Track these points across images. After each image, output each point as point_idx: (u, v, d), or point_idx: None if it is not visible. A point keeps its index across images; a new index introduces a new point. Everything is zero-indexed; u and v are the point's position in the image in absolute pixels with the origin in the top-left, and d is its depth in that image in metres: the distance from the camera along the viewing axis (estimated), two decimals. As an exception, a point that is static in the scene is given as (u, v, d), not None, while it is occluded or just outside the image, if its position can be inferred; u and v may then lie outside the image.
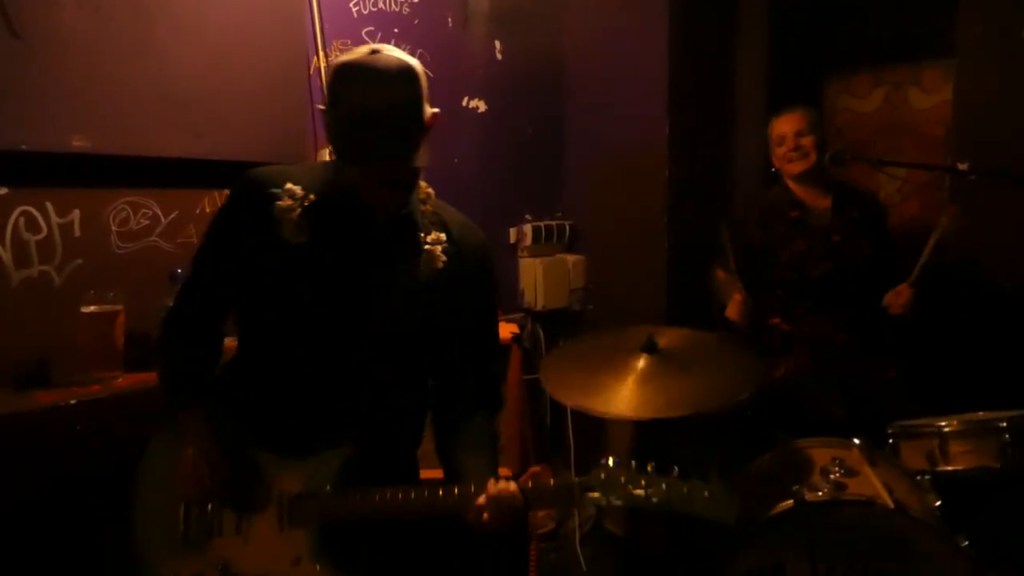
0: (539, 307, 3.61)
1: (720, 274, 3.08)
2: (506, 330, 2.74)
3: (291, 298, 1.58)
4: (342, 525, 1.56)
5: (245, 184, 1.63)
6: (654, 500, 1.43)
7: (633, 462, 1.49)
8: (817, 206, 2.97)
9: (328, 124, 1.53)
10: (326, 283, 1.59)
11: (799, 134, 2.94)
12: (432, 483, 1.54)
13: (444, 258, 1.64)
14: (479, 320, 1.74)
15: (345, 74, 1.48)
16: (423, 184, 1.69)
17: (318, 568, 1.54)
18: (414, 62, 1.52)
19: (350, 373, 1.60)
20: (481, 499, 1.49)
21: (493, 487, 1.50)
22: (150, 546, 1.62)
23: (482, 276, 1.74)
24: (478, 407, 1.73)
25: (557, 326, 3.72)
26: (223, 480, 1.58)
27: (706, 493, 1.42)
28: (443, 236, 1.66)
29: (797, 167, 2.94)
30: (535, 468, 1.53)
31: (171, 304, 1.72)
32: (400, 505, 1.52)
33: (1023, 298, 3.07)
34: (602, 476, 1.48)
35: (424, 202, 1.70)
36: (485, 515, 1.48)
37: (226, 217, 1.67)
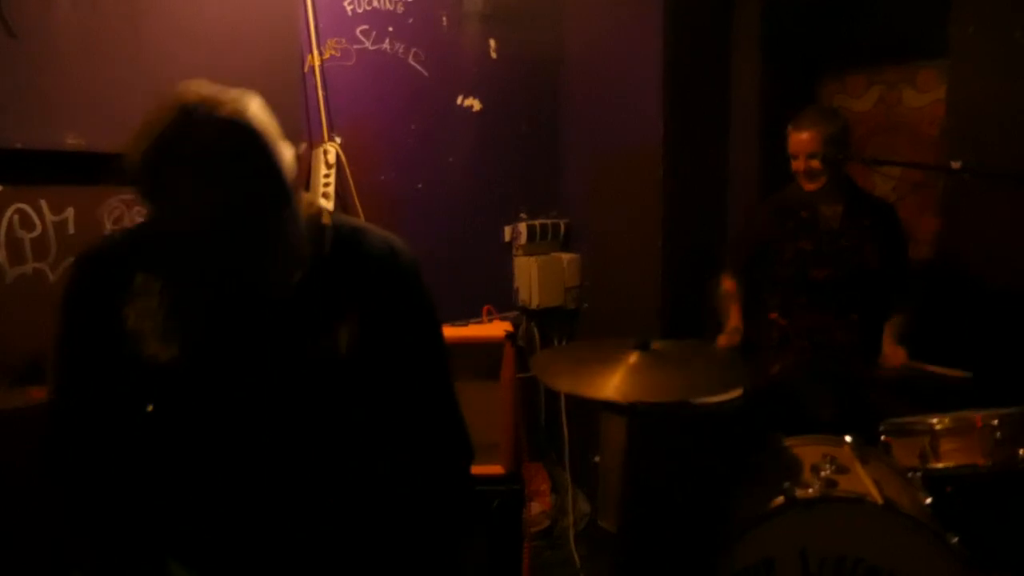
0: (534, 305, 3.62)
1: (726, 283, 3.10)
2: (500, 328, 2.75)
3: (181, 422, 1.28)
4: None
5: (82, 285, 1.30)
6: None
7: None
8: (830, 209, 2.96)
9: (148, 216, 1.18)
10: (217, 397, 1.27)
11: (811, 156, 2.87)
12: None
13: (358, 325, 1.31)
14: (411, 374, 1.40)
15: (157, 160, 1.14)
16: (313, 208, 1.35)
17: None
18: (235, 108, 1.21)
19: (280, 485, 1.32)
20: None
21: None
22: None
23: (410, 322, 1.39)
24: (425, 474, 1.42)
25: (552, 325, 3.73)
26: None
27: None
28: (354, 300, 1.32)
29: (810, 186, 2.90)
30: None
31: (49, 425, 1.36)
32: None
33: (1016, 296, 3.09)
34: None
35: (318, 240, 1.32)
36: None
37: (73, 326, 1.32)
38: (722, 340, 2.93)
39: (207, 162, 1.12)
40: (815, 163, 2.87)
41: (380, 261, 1.36)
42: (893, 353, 2.83)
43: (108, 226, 2.33)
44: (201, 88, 1.20)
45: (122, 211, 2.35)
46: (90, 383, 1.30)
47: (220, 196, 1.12)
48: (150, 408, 1.27)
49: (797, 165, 2.91)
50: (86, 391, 1.31)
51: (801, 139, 2.89)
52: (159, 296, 1.25)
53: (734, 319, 3.00)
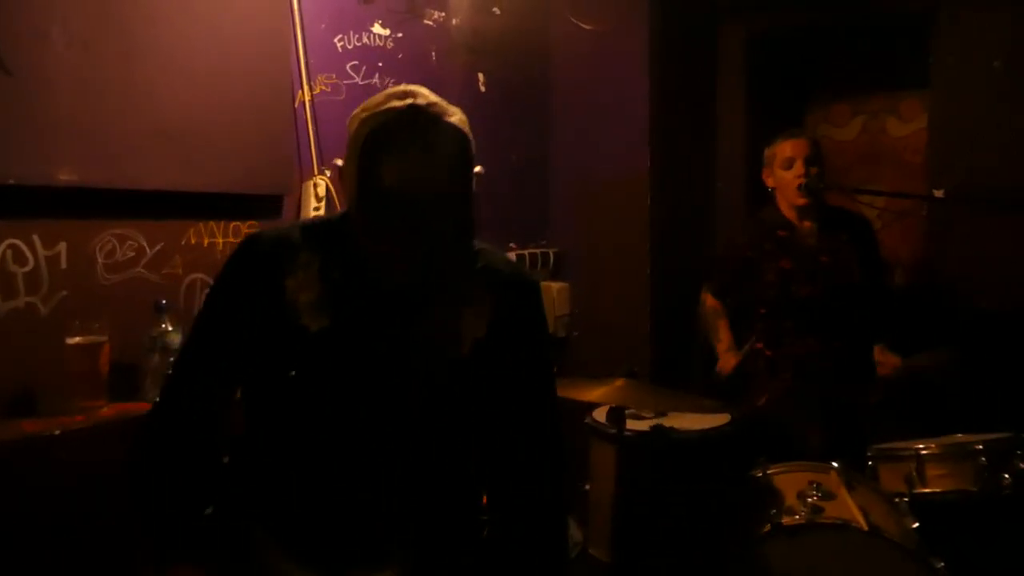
0: (525, 334, 3.63)
1: (708, 300, 3.12)
2: (490, 357, 2.76)
3: (317, 391, 1.36)
4: None
5: (250, 253, 1.42)
6: None
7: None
8: (806, 227, 2.99)
9: (352, 189, 1.30)
10: (355, 371, 1.37)
11: (808, 160, 2.90)
12: None
13: (488, 320, 1.41)
14: (533, 396, 1.49)
15: (383, 137, 1.26)
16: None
17: None
18: (461, 118, 1.34)
19: (392, 471, 1.38)
20: None
21: None
22: None
23: (532, 339, 1.49)
24: (535, 515, 1.49)
25: (543, 353, 3.74)
26: None
27: None
28: (485, 305, 1.42)
29: (803, 198, 2.91)
30: None
31: (162, 397, 1.46)
32: None
33: (1000, 321, 3.12)
34: None
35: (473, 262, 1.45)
36: None
37: (231, 291, 1.43)
38: (729, 361, 2.94)
39: (436, 154, 1.27)
40: (814, 169, 2.89)
41: (510, 275, 1.49)
42: (885, 359, 2.84)
43: (100, 260, 2.35)
44: (428, 93, 1.34)
45: (114, 245, 2.37)
46: (224, 351, 1.41)
47: (440, 185, 1.27)
48: (292, 374, 1.35)
49: (796, 171, 2.90)
50: (215, 360, 1.41)
51: (799, 144, 2.93)
52: (319, 272, 1.36)
53: (725, 339, 3.01)
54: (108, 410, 2.19)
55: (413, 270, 1.31)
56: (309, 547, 1.38)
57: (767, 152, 3.03)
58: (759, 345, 2.99)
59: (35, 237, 2.21)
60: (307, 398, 1.36)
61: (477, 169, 1.39)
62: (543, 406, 1.51)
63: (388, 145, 1.26)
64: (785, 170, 2.95)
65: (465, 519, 1.51)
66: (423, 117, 1.28)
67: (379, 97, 1.33)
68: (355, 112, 1.35)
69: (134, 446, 1.46)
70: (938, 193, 2.73)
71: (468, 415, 1.43)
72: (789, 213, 3.00)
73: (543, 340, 1.55)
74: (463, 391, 1.41)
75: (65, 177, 2.21)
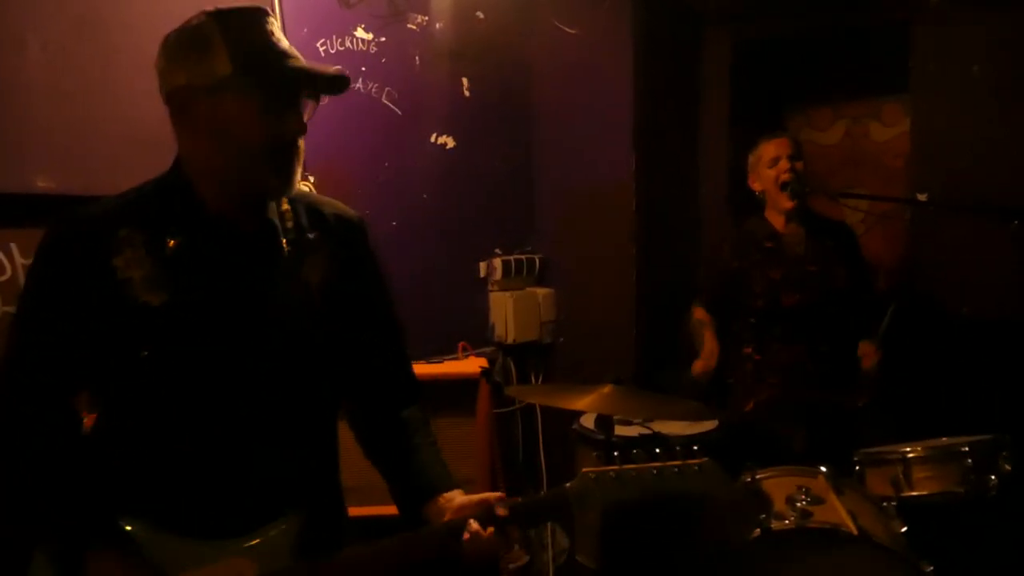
0: (510, 340, 3.62)
1: (698, 313, 3.12)
2: (475, 364, 2.75)
3: (172, 367, 1.33)
4: None
5: (59, 243, 1.35)
6: (654, 476, 1.35)
7: (616, 453, 1.38)
8: (792, 236, 3.00)
9: (213, 82, 1.30)
10: (206, 336, 1.35)
11: (792, 157, 2.94)
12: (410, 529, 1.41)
13: (326, 263, 1.45)
14: (383, 317, 1.58)
15: (239, 18, 1.32)
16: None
17: None
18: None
19: (261, 430, 1.39)
20: (466, 533, 1.34)
21: (473, 511, 1.36)
22: None
23: (371, 269, 1.56)
24: (404, 402, 1.59)
25: (528, 359, 3.73)
26: None
27: (696, 468, 1.36)
28: (317, 234, 1.46)
29: (789, 204, 2.93)
30: (499, 495, 1.40)
31: None
32: (381, 560, 1.37)
33: (982, 325, 3.14)
34: (592, 477, 1.35)
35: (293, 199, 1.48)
36: (477, 538, 1.33)
37: (47, 289, 1.35)
38: (698, 365, 2.95)
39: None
40: (799, 164, 2.92)
41: (340, 221, 1.53)
42: (870, 352, 2.85)
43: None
44: None
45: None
46: (58, 344, 1.34)
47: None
48: (145, 353, 1.32)
49: (781, 167, 2.92)
50: (51, 353, 1.34)
51: (782, 143, 2.96)
52: (144, 247, 1.32)
53: (709, 343, 3.01)
54: (89, 421, 2.15)
55: (289, 149, 1.36)
56: (194, 522, 1.35)
57: (751, 158, 3.04)
58: (748, 350, 3.00)
59: (12, 245, 2.19)
60: (164, 373, 1.33)
61: None
62: (392, 332, 1.60)
63: (255, 29, 1.33)
64: (770, 168, 2.97)
65: (329, 456, 1.53)
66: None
67: None
68: None
69: None
70: (922, 197, 2.74)
71: (325, 361, 1.45)
72: (776, 220, 3.01)
73: (380, 276, 1.59)
74: (315, 331, 1.42)
75: (43, 184, 2.19)
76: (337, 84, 1.38)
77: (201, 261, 1.35)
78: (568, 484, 1.37)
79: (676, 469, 1.35)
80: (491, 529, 1.35)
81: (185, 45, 1.34)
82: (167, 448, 1.36)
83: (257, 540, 1.36)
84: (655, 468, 1.35)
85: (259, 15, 1.33)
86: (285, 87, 1.33)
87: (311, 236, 1.45)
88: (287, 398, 1.41)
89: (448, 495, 1.46)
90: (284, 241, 1.42)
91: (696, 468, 1.35)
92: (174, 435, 1.36)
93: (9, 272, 2.18)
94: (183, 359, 1.34)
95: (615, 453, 1.38)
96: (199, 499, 1.37)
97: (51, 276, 1.35)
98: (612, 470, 1.35)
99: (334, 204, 1.56)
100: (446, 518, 1.41)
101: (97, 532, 1.32)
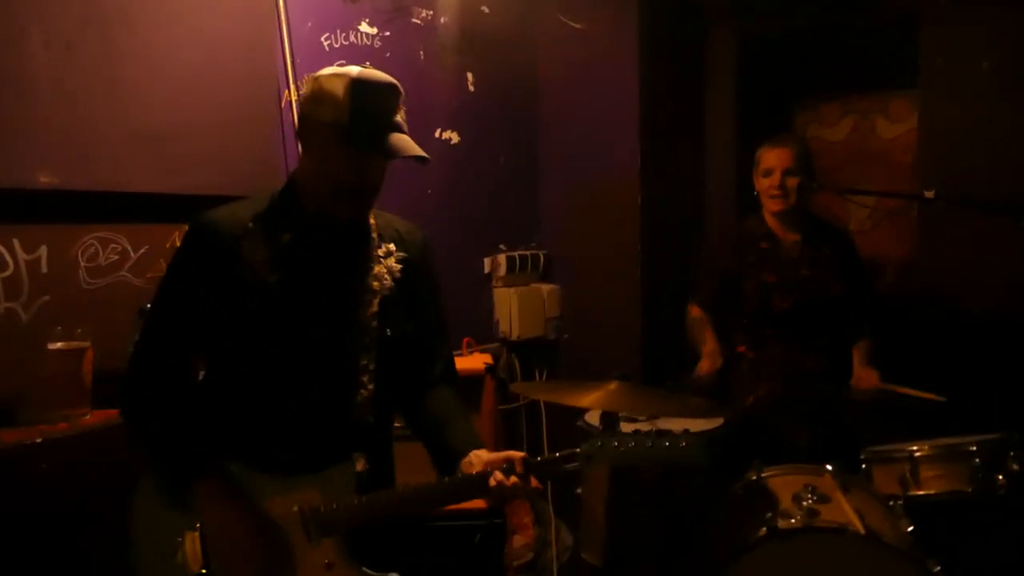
0: (514, 337, 3.61)
1: (694, 311, 3.10)
2: (479, 360, 2.74)
3: (277, 333, 1.67)
4: (368, 526, 1.66)
5: (203, 231, 1.69)
6: (648, 447, 1.63)
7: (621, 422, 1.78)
8: (788, 239, 2.99)
9: (331, 124, 1.59)
10: (306, 311, 1.69)
11: (787, 172, 2.90)
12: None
13: (400, 267, 1.78)
14: (436, 314, 1.91)
15: (372, 86, 1.62)
16: None
17: (350, 570, 1.64)
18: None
19: (339, 391, 1.71)
20: (497, 474, 1.62)
21: (497, 465, 1.63)
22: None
23: (432, 275, 1.90)
24: (443, 384, 1.89)
25: (533, 355, 3.72)
26: (263, 540, 1.61)
27: (683, 443, 1.63)
28: (393, 246, 1.79)
29: (777, 205, 2.93)
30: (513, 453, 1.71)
31: (131, 368, 1.71)
32: (424, 496, 1.68)
33: (990, 322, 3.12)
34: (598, 444, 1.65)
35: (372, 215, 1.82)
36: (502, 485, 1.61)
37: (190, 266, 1.70)
38: (704, 365, 2.94)
39: (387, 79, 1.67)
40: (792, 181, 2.90)
41: (409, 233, 1.87)
42: (866, 376, 2.85)
43: (83, 264, 2.31)
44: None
45: (97, 249, 2.33)
46: (189, 320, 1.67)
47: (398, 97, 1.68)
48: (258, 320, 1.65)
49: (772, 182, 2.92)
50: (183, 326, 1.68)
51: (781, 154, 2.92)
52: (264, 238, 1.66)
53: (711, 342, 3.00)
54: (92, 418, 2.15)
55: (365, 191, 1.68)
56: (277, 461, 1.65)
57: (756, 154, 3.03)
58: (741, 348, 2.99)
59: (15, 241, 2.18)
60: (269, 339, 1.66)
61: None
62: (444, 331, 1.95)
63: (358, 81, 1.62)
64: (764, 178, 2.97)
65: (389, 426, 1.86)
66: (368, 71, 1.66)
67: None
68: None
69: (121, 410, 1.74)
70: (929, 194, 2.71)
71: (395, 340, 1.76)
72: (771, 221, 3.01)
73: (437, 278, 1.93)
74: (390, 319, 1.74)
75: (46, 179, 2.18)
76: (419, 160, 1.68)
77: (306, 252, 1.69)
78: (579, 448, 1.66)
79: (667, 443, 1.63)
80: (513, 478, 1.63)
81: (327, 87, 1.61)
82: (259, 401, 1.68)
83: (324, 475, 1.66)
84: (650, 441, 1.64)
85: (388, 88, 1.65)
86: (378, 149, 1.63)
87: (390, 244, 1.80)
88: (355, 364, 1.71)
89: (477, 452, 1.71)
90: (369, 245, 1.77)
91: (683, 444, 1.63)
92: (266, 390, 1.68)
93: (11, 268, 2.17)
94: (287, 326, 1.67)
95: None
96: (282, 442, 1.68)
97: (186, 269, 1.69)
98: (616, 439, 1.66)
99: (406, 223, 1.90)
100: (475, 471, 1.67)
101: (204, 467, 1.62)
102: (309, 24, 2.91)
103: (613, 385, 2.12)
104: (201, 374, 1.77)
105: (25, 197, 2.15)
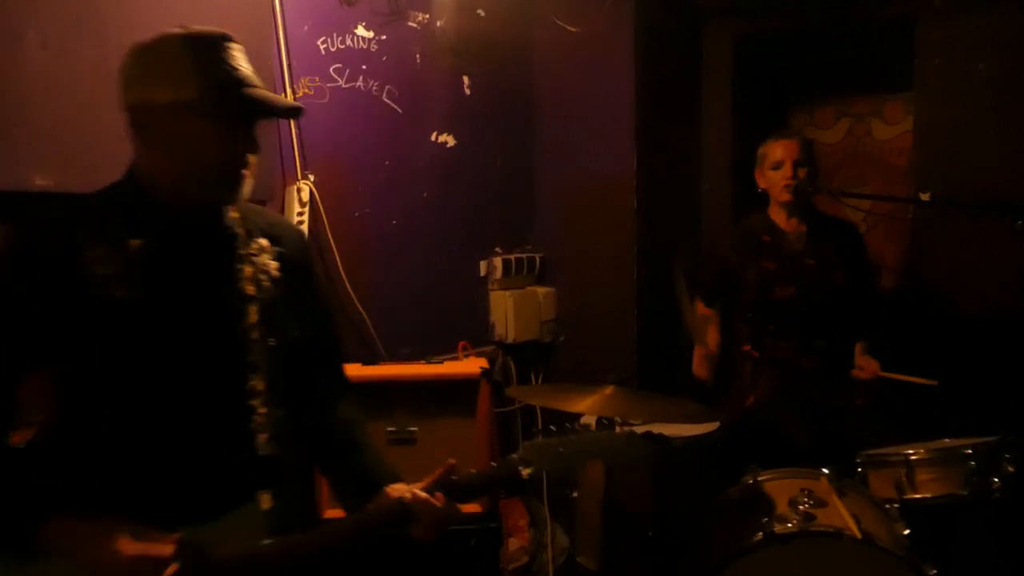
0: (510, 340, 3.61)
1: (699, 308, 3.10)
2: (475, 364, 2.73)
3: (138, 362, 1.39)
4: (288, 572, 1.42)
5: (32, 238, 1.40)
6: (583, 444, 1.54)
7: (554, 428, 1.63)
8: (793, 233, 2.99)
9: (175, 103, 1.36)
10: (170, 331, 1.42)
11: (797, 163, 2.91)
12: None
13: (276, 264, 1.54)
14: (326, 318, 1.73)
15: (206, 44, 1.40)
16: None
17: None
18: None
19: (226, 420, 1.46)
20: (409, 494, 1.46)
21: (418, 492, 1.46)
22: None
23: (314, 273, 1.72)
24: (344, 401, 1.71)
25: (529, 358, 3.72)
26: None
27: (624, 437, 1.60)
28: (265, 241, 1.54)
29: (787, 197, 2.92)
30: (451, 461, 1.54)
31: None
32: (340, 535, 1.47)
33: (986, 324, 3.12)
34: (536, 445, 1.52)
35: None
36: (426, 521, 1.45)
37: (9, 288, 1.37)
38: (697, 357, 2.95)
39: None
40: (803, 171, 2.90)
41: (284, 229, 1.64)
42: (866, 364, 2.85)
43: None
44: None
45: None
46: (16, 346, 1.37)
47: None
48: (113, 345, 1.37)
49: (784, 173, 2.91)
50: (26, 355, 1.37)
51: (789, 145, 2.93)
52: (108, 247, 1.38)
53: (710, 341, 3.01)
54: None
55: (237, 166, 1.43)
56: (161, 512, 1.35)
57: (760, 151, 3.03)
58: (746, 348, 2.99)
59: (9, 244, 2.16)
60: (127, 365, 1.38)
61: None
62: (333, 334, 1.76)
63: (211, 47, 1.43)
64: (774, 171, 2.95)
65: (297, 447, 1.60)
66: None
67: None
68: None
69: None
70: (924, 197, 2.72)
71: (280, 348, 1.51)
72: (778, 216, 3.00)
73: (317, 276, 1.75)
74: (273, 325, 1.50)
75: (41, 182, 2.17)
76: (291, 113, 1.53)
77: (161, 259, 1.41)
78: (514, 455, 1.51)
79: (606, 437, 1.63)
80: (439, 494, 1.46)
81: (152, 63, 1.40)
82: (132, 445, 1.40)
83: (225, 521, 1.41)
84: (589, 437, 1.60)
85: (224, 41, 1.42)
86: (243, 114, 1.42)
87: (261, 240, 1.54)
88: (241, 386, 1.46)
89: (394, 486, 1.52)
90: (236, 243, 1.51)
91: (624, 437, 1.60)
92: (138, 431, 1.40)
93: (6, 271, 2.16)
94: (148, 352, 1.39)
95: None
96: (170, 490, 1.40)
97: (13, 274, 1.38)
98: (553, 440, 1.52)
99: (276, 214, 1.71)
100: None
101: (45, 510, 1.32)
102: (305, 27, 2.90)
103: (609, 390, 2.13)
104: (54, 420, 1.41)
105: (20, 199, 2.15)
